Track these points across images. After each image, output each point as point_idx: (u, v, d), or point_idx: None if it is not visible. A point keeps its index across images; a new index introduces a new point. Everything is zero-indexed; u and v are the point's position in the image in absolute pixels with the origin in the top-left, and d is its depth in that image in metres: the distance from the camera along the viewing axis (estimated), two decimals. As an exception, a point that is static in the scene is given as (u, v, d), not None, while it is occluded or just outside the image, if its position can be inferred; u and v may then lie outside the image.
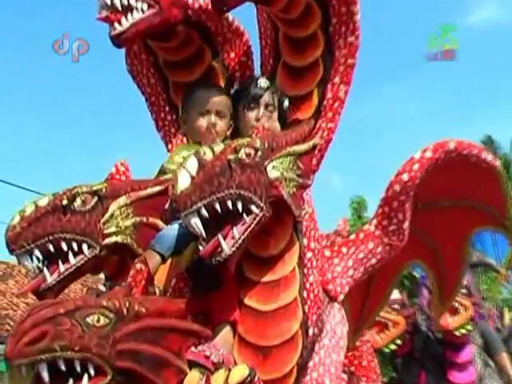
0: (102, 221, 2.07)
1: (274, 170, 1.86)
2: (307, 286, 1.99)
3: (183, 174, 1.71)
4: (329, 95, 2.30)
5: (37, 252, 1.98)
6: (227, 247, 1.72)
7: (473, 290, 4.70)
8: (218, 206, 1.71)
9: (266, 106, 2.28)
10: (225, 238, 1.73)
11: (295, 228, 2.03)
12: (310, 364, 1.98)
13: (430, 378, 4.52)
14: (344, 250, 2.26)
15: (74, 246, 2.03)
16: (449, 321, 4.39)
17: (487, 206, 2.46)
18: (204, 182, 1.70)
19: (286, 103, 2.34)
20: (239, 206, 1.74)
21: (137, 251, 2.14)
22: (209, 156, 1.75)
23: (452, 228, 2.51)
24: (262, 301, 1.91)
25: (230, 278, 1.96)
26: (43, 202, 2.05)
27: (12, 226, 1.98)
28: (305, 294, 1.97)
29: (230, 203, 1.73)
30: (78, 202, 2.07)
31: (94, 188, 2.12)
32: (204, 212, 1.69)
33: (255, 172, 1.79)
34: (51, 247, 1.99)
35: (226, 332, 1.88)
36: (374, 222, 2.28)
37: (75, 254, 2.04)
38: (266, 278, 1.94)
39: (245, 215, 1.76)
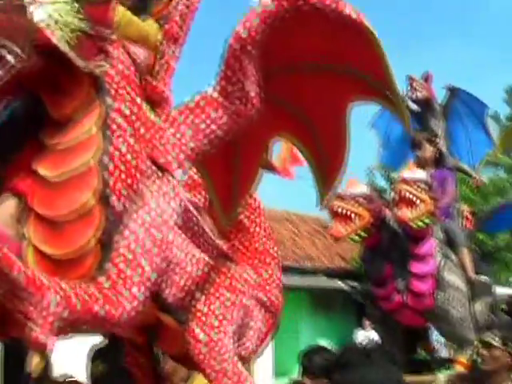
0: None
1: (41, 11, 1.59)
2: (112, 151, 1.76)
3: None
4: None
5: None
6: None
7: (434, 187, 4.49)
8: None
9: None
10: None
11: (97, 87, 1.77)
12: (118, 238, 1.77)
13: (396, 270, 4.52)
14: (180, 118, 1.96)
15: None
16: (407, 214, 4.28)
17: (363, 74, 2.04)
18: None
19: None
20: None
21: None
22: None
23: (323, 98, 2.12)
24: (52, 169, 1.72)
25: (28, 146, 1.76)
26: None
27: None
28: (106, 161, 1.74)
29: None
30: None
31: None
32: None
33: (9, 14, 1.54)
34: None
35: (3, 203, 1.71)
36: (217, 87, 1.95)
37: None
38: (60, 143, 1.73)
39: None
